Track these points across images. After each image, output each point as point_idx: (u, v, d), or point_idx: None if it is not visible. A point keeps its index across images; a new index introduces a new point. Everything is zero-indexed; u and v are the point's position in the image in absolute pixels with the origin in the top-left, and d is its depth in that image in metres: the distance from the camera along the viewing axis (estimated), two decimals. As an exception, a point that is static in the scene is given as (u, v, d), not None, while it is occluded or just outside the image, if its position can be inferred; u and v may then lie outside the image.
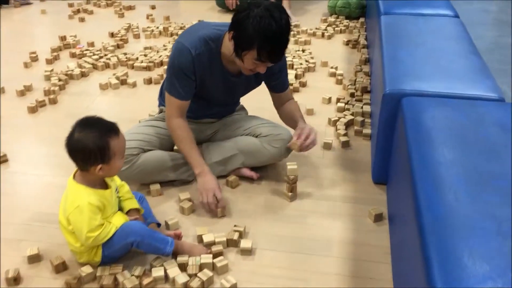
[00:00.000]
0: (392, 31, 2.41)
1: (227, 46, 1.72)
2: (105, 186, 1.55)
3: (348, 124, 2.41)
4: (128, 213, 1.61)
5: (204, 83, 1.84)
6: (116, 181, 1.62)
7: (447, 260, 1.03)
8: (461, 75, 1.88)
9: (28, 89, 2.77)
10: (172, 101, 1.82)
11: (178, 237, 1.64)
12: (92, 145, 1.41)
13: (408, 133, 1.51)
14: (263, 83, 1.99)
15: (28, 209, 1.84)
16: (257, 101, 2.17)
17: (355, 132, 2.35)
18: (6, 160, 2.13)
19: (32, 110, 2.54)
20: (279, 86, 1.98)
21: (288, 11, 3.98)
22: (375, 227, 1.76)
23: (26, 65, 3.11)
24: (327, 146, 2.22)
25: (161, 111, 2.08)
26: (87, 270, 1.51)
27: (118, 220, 1.51)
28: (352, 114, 2.47)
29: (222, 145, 1.98)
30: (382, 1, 2.93)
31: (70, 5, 4.37)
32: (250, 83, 1.95)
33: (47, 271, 1.55)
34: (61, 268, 1.55)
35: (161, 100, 2.09)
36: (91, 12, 4.24)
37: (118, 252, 1.53)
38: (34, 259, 1.59)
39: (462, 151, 1.38)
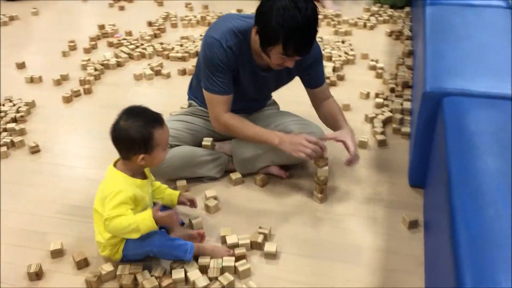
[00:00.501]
0: (437, 22, 2.26)
1: (255, 40, 1.65)
2: (144, 176, 1.53)
3: (386, 122, 2.29)
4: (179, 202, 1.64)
5: (235, 77, 1.77)
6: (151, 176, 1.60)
7: (482, 281, 0.94)
8: (511, 74, 1.73)
9: (64, 78, 2.79)
10: (214, 99, 1.75)
11: (202, 237, 1.60)
12: (136, 134, 1.40)
13: (447, 137, 1.39)
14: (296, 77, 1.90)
15: (56, 201, 1.83)
16: (293, 95, 2.09)
17: (393, 130, 2.23)
18: (38, 151, 2.14)
19: (67, 100, 2.55)
20: (312, 81, 1.89)
21: (329, 2, 3.86)
22: (409, 234, 1.65)
23: (64, 54, 3.13)
24: (362, 145, 2.12)
25: (190, 105, 2.03)
26: (107, 268, 1.49)
27: (142, 218, 1.44)
28: (390, 111, 2.34)
29: (251, 142, 1.91)
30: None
31: (113, -6, 4.39)
32: (281, 78, 1.87)
33: (69, 267, 1.54)
34: (82, 264, 1.53)
35: (190, 94, 2.05)
36: (131, 1, 4.24)
37: (136, 256, 1.51)
38: (57, 254, 1.58)
39: (508, 160, 1.26)
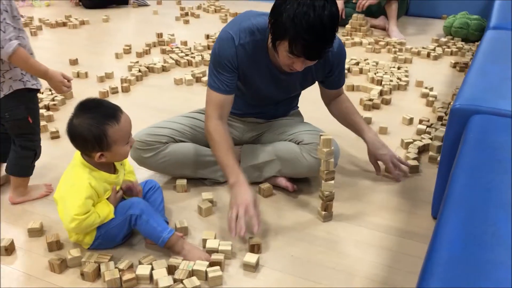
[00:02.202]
0: (493, 45, 2.03)
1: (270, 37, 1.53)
2: (113, 170, 1.45)
3: (424, 149, 2.06)
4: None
5: (247, 77, 1.66)
6: (125, 166, 1.51)
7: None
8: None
9: (108, 76, 2.83)
10: (212, 96, 1.64)
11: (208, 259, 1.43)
12: (88, 134, 1.32)
13: (461, 158, 1.18)
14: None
15: (54, 185, 1.80)
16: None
17: (429, 158, 1.99)
18: (57, 137, 2.16)
19: (103, 95, 2.58)
20: (333, 84, 1.77)
21: (395, 30, 3.68)
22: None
23: (117, 56, 3.21)
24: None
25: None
26: (74, 253, 1.40)
27: (102, 208, 1.38)
28: (431, 139, 2.10)
29: (261, 148, 1.78)
30: (497, 15, 2.53)
31: (182, 9, 4.51)
32: (302, 82, 1.72)
33: (42, 248, 1.48)
34: (54, 246, 1.46)
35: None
36: (198, 16, 4.33)
37: (116, 229, 1.41)
38: (35, 233, 1.52)
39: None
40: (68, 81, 1.66)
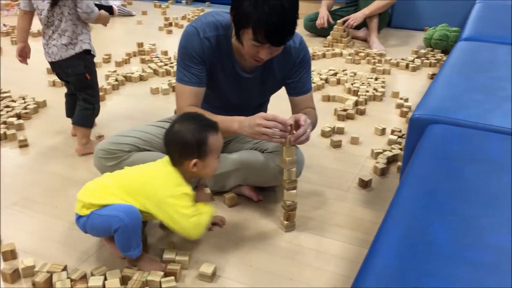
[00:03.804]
0: (462, 56, 2.04)
1: (234, 33, 1.54)
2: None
3: (394, 159, 2.06)
4: None
5: (213, 75, 1.66)
6: None
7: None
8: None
9: (84, 85, 2.81)
10: (184, 90, 1.62)
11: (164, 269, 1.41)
12: (190, 137, 1.35)
13: (411, 167, 1.18)
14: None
15: (17, 193, 1.78)
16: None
17: (398, 168, 1.99)
18: (26, 145, 2.14)
19: (77, 104, 2.56)
20: (297, 88, 1.72)
21: (376, 42, 3.70)
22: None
23: (95, 65, 3.18)
24: (362, 184, 1.88)
25: (175, 113, 1.93)
26: (28, 263, 1.38)
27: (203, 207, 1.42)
28: (400, 149, 2.10)
29: (227, 157, 1.77)
30: (470, 27, 2.54)
31: (166, 19, 4.52)
32: (266, 82, 1.71)
33: (-3, 257, 1.46)
34: (9, 256, 1.44)
35: (178, 103, 1.95)
36: (181, 26, 4.33)
37: (97, 229, 1.38)
38: (-10, 242, 1.50)
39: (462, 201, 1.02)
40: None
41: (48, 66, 3.03)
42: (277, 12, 1.38)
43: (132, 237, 1.34)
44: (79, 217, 1.38)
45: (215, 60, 1.62)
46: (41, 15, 1.92)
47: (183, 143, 1.35)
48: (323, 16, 3.88)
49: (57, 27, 1.92)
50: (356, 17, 3.75)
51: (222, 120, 1.55)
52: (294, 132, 1.48)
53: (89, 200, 1.35)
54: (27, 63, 2.10)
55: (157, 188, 1.36)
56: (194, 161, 1.36)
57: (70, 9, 1.89)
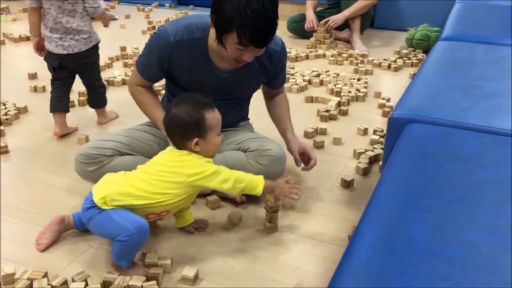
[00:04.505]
0: (440, 56, 2.07)
1: (212, 36, 1.55)
2: None
3: (376, 159, 2.07)
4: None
5: (184, 76, 1.69)
6: None
7: None
8: (500, 107, 1.50)
9: (66, 90, 2.79)
10: (137, 75, 1.74)
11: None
12: (188, 118, 1.38)
13: (388, 166, 1.19)
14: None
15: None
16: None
17: (379, 168, 2.00)
18: (6, 151, 2.11)
19: (59, 109, 2.54)
20: (276, 84, 1.85)
21: (358, 42, 3.72)
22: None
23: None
24: (345, 184, 1.89)
25: (157, 117, 1.93)
26: (8, 270, 1.37)
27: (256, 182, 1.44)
28: (382, 149, 2.12)
29: (209, 159, 1.77)
30: (449, 26, 2.57)
31: (149, 23, 4.51)
32: (244, 80, 1.73)
33: (-24, 265, 1.44)
34: (-11, 264, 1.42)
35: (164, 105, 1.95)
36: (165, 30, 4.32)
37: (101, 229, 1.39)
38: (-30, 250, 1.48)
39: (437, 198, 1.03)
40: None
41: (30, 71, 3.04)
42: (260, 14, 1.41)
43: (132, 251, 1.37)
44: (90, 208, 1.36)
45: (188, 63, 1.64)
46: (50, 10, 2.08)
47: (182, 125, 1.38)
48: (312, 20, 3.89)
49: (71, 23, 2.10)
50: (336, 19, 3.77)
51: (153, 115, 1.74)
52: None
53: (118, 198, 1.36)
54: (43, 55, 2.26)
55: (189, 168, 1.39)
56: (195, 140, 1.38)
57: (81, 5, 2.10)
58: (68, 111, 2.29)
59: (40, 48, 2.24)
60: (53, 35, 2.13)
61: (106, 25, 2.35)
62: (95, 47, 2.25)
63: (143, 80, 1.74)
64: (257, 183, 1.42)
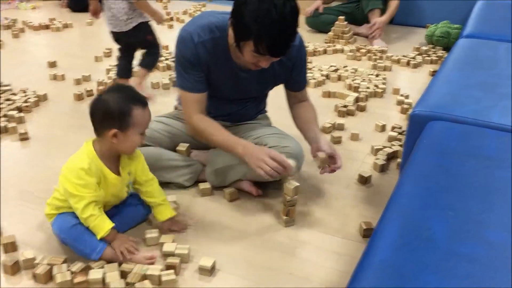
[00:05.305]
0: (462, 53, 2.04)
1: (231, 35, 1.54)
2: (117, 171, 1.44)
3: (393, 156, 2.06)
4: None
5: (210, 75, 1.66)
6: (137, 174, 1.50)
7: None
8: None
9: (86, 79, 2.83)
10: (187, 97, 1.64)
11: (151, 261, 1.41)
12: (114, 107, 1.34)
13: (410, 164, 1.18)
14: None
15: (17, 187, 1.79)
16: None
17: (397, 165, 1.99)
18: (26, 138, 2.14)
19: (78, 97, 2.57)
20: (295, 85, 1.77)
21: (377, 36, 3.69)
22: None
23: (96, 59, 3.20)
24: (362, 180, 1.88)
25: (175, 109, 1.94)
26: (28, 255, 1.39)
27: (102, 222, 1.37)
28: (400, 145, 2.11)
29: (227, 152, 1.77)
30: (471, 24, 2.54)
31: (167, 14, 4.52)
32: (264, 81, 1.72)
33: (-2, 249, 1.46)
34: (9, 248, 1.45)
35: (178, 98, 1.96)
36: (182, 21, 4.33)
37: (60, 232, 1.42)
38: (-10, 234, 1.51)
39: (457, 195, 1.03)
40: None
41: (50, 59, 3.07)
42: (279, 25, 1.37)
43: (76, 245, 1.38)
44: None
45: (211, 63, 1.62)
46: None
47: (105, 112, 1.34)
48: (315, 6, 3.95)
49: (113, 7, 2.40)
50: (380, 23, 3.75)
51: (229, 139, 1.59)
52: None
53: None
54: (98, 18, 2.62)
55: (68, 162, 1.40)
56: (113, 131, 1.34)
57: None
58: (129, 77, 2.63)
59: (94, 12, 2.58)
60: (107, 14, 2.44)
61: (153, 18, 2.53)
62: (138, 28, 2.46)
63: (200, 98, 1.64)
64: (101, 229, 1.37)
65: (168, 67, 3.07)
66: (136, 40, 2.53)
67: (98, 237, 1.36)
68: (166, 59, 3.18)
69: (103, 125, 1.36)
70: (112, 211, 1.50)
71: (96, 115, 1.37)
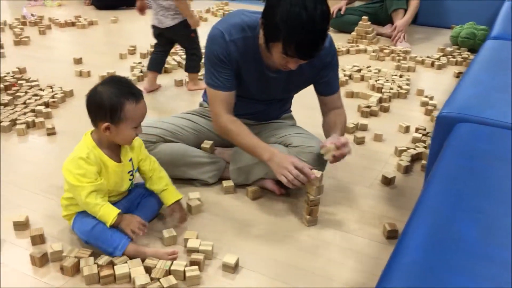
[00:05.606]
0: (490, 55, 2.02)
1: (261, 36, 1.54)
2: (118, 159, 1.46)
3: (417, 158, 2.04)
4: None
5: (239, 74, 1.66)
6: (140, 162, 1.54)
7: None
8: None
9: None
10: (216, 95, 1.65)
11: (173, 257, 1.43)
12: (106, 100, 1.35)
13: (438, 166, 1.17)
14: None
15: (45, 180, 1.82)
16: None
17: (422, 167, 1.98)
18: (53, 133, 2.18)
19: (103, 94, 2.60)
20: (325, 88, 1.74)
21: (401, 38, 3.67)
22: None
23: (121, 56, 3.24)
24: (386, 181, 1.87)
25: (200, 105, 1.96)
26: (56, 247, 1.42)
27: (108, 210, 1.40)
28: (425, 147, 2.09)
29: (252, 154, 1.78)
30: (499, 25, 2.51)
31: (191, 12, 4.54)
32: (292, 81, 1.72)
33: (26, 241, 1.49)
34: (37, 240, 1.48)
35: (203, 95, 1.97)
36: (205, 20, 4.36)
37: (81, 233, 1.45)
38: (20, 226, 1.54)
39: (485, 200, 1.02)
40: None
41: (75, 56, 3.12)
42: (308, 27, 1.37)
43: (97, 244, 1.40)
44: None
45: (241, 62, 1.62)
46: None
47: (97, 104, 1.36)
48: (337, 6, 3.95)
49: (162, 1, 2.48)
50: (401, 25, 3.73)
51: (257, 144, 1.60)
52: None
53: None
54: (143, 14, 2.76)
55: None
56: (105, 124, 1.36)
57: None
58: (160, 72, 2.72)
59: (140, 8, 2.71)
60: (154, 9, 2.52)
61: (189, 21, 2.53)
62: (184, 24, 2.51)
63: (228, 96, 1.64)
64: (109, 217, 1.38)
65: (192, 65, 3.08)
66: (180, 36, 2.59)
67: (108, 225, 1.38)
68: (190, 57, 3.19)
69: (96, 117, 1.39)
70: (127, 205, 1.54)
71: (90, 107, 1.40)
